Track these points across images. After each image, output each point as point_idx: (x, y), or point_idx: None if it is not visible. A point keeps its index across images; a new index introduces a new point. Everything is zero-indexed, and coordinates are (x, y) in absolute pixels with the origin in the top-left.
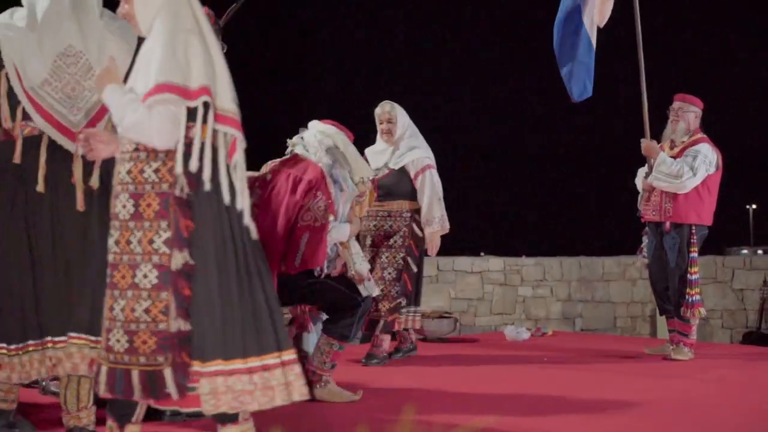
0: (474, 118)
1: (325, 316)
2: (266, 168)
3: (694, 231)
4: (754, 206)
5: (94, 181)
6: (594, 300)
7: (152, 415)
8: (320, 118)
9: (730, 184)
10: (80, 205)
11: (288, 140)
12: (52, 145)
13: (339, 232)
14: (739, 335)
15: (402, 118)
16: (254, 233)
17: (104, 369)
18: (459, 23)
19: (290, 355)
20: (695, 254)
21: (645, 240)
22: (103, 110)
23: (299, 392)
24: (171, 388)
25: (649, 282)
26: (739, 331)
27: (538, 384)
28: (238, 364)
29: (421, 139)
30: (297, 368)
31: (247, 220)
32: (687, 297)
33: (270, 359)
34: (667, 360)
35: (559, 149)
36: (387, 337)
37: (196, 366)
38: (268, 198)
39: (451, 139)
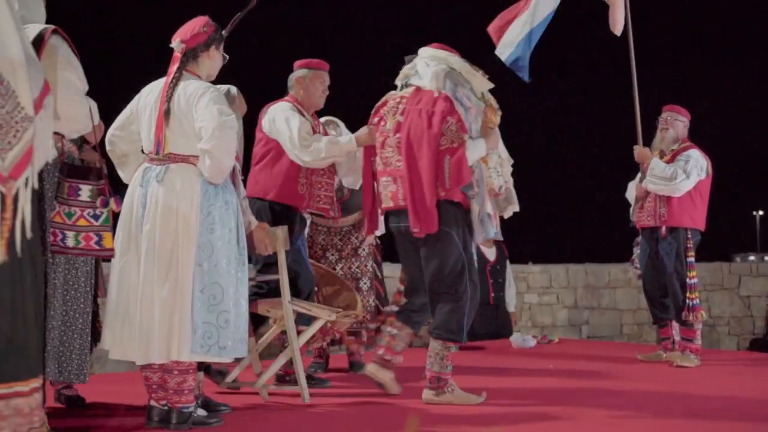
0: None
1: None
2: (390, 108)
3: (689, 236)
4: (761, 213)
5: None
6: (600, 307)
7: None
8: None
9: (736, 191)
10: None
11: (401, 72)
12: None
13: (476, 148)
14: (746, 342)
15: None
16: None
17: None
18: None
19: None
20: (692, 259)
21: (636, 251)
22: None
23: None
24: None
25: (644, 291)
26: (746, 337)
27: (544, 392)
28: None
29: None
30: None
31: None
32: (688, 301)
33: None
34: (674, 367)
35: (565, 155)
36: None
37: None
38: (408, 138)
39: None
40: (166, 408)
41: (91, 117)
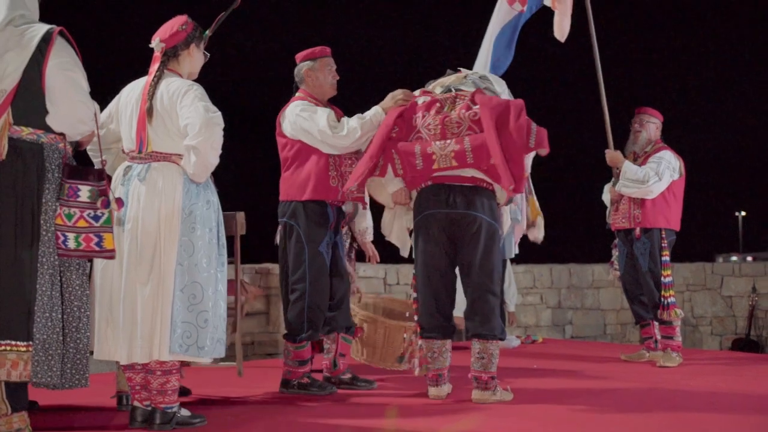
0: None
1: None
2: (445, 99)
3: (664, 236)
4: (743, 213)
5: None
6: (584, 307)
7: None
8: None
9: (719, 192)
10: None
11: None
12: None
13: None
14: (729, 342)
15: None
16: None
17: None
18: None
19: None
20: (667, 258)
21: (615, 253)
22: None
23: None
24: None
25: (624, 292)
26: (729, 337)
27: (528, 392)
28: None
29: None
30: None
31: None
32: (662, 300)
33: None
34: (657, 367)
35: (548, 156)
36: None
37: None
38: (491, 110)
39: None
40: (149, 408)
41: (96, 119)
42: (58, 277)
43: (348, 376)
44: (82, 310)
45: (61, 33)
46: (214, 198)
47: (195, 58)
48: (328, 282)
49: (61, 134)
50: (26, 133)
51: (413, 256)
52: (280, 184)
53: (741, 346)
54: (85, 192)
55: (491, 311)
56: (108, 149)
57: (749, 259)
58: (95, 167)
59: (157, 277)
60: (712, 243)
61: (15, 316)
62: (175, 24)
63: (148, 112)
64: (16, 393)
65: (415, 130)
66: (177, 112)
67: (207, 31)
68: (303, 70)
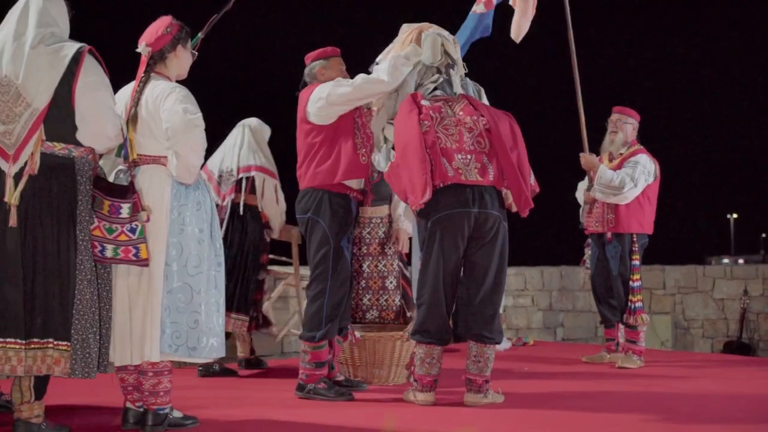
0: None
1: None
2: (444, 103)
3: (635, 239)
4: (735, 216)
5: (16, 199)
6: (575, 309)
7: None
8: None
9: (711, 194)
10: (13, 221)
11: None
12: None
13: None
14: (720, 344)
15: None
16: None
17: None
18: None
19: None
20: (637, 262)
21: (587, 252)
22: (30, 134)
23: None
24: None
25: (593, 292)
26: (720, 340)
27: (519, 396)
28: None
29: None
30: None
31: None
32: (630, 304)
33: None
34: (617, 368)
35: (539, 158)
36: None
37: None
38: (497, 128)
39: None
40: (141, 410)
41: (122, 133)
42: (96, 282)
43: (341, 378)
44: (109, 308)
45: (90, 52)
46: (206, 198)
47: (182, 60)
48: (350, 279)
49: (90, 147)
50: (58, 148)
51: (419, 254)
52: (301, 175)
53: (732, 349)
54: (125, 209)
55: (495, 314)
56: (108, 156)
57: (741, 261)
58: (126, 183)
59: (146, 278)
60: (704, 245)
61: (57, 318)
62: (160, 27)
63: (133, 117)
64: (40, 383)
65: (433, 131)
66: (160, 116)
67: (200, 34)
68: (316, 69)
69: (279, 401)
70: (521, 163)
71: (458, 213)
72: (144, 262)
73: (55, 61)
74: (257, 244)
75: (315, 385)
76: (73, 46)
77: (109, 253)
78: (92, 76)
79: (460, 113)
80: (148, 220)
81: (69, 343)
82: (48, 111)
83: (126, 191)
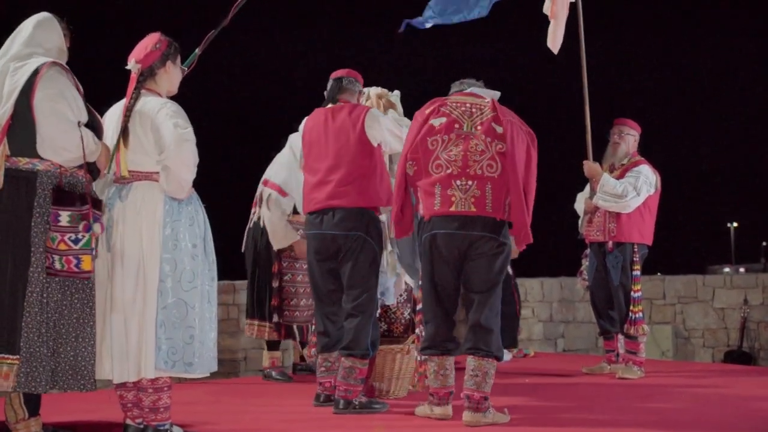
0: None
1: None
2: (463, 111)
3: (636, 250)
4: (735, 224)
5: None
6: (576, 320)
7: None
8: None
9: (711, 203)
10: None
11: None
12: None
13: None
14: (721, 354)
15: None
16: None
17: None
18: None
19: None
20: (638, 272)
21: (585, 262)
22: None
23: None
24: None
25: (591, 304)
26: (721, 349)
27: (519, 408)
28: None
29: None
30: None
31: None
32: (630, 314)
33: None
34: (617, 379)
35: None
36: None
37: None
38: (513, 151)
39: None
40: (141, 426)
41: (83, 146)
42: (46, 295)
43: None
44: (83, 320)
45: (52, 65)
46: (199, 213)
47: (172, 75)
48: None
49: (56, 161)
50: (23, 162)
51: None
52: (356, 191)
53: (733, 358)
54: (65, 217)
55: (492, 329)
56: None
57: (741, 270)
58: (79, 192)
59: (141, 295)
60: (704, 254)
61: (4, 331)
62: (149, 43)
63: (124, 134)
64: (31, 399)
65: (433, 155)
66: (151, 132)
67: (197, 50)
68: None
69: (282, 414)
70: (528, 193)
71: (448, 233)
72: (86, 275)
73: (17, 75)
74: (267, 254)
75: (359, 400)
76: (38, 61)
77: (57, 265)
78: (51, 88)
79: (479, 128)
80: (102, 230)
81: (18, 357)
82: (11, 125)
83: (72, 198)
